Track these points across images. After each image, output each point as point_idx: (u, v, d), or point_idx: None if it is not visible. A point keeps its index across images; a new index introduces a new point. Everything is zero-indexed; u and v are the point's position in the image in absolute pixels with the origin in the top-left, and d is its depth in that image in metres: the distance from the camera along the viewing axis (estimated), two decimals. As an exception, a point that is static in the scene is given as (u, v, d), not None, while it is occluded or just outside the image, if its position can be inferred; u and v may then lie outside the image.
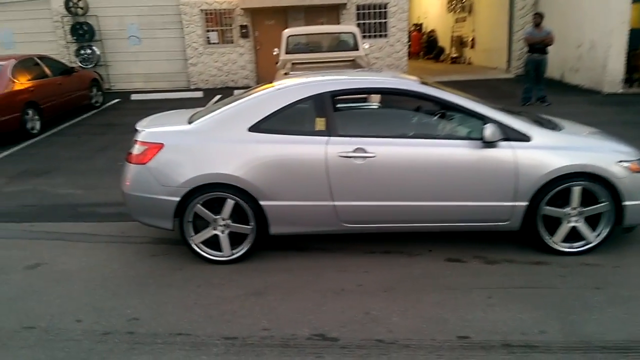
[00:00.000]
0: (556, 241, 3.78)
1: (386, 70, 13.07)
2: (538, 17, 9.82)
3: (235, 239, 3.87)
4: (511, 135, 3.64)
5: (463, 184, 3.63)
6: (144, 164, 3.77)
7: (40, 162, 7.29)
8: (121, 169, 4.05)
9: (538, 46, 9.75)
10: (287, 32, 9.99)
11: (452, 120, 4.16)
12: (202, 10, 13.90)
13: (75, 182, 6.27)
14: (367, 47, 10.43)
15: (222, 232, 3.84)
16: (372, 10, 14.03)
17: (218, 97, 12.32)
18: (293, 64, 8.99)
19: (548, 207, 3.68)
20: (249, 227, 3.82)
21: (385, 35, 14.17)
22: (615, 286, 3.38)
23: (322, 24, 13.74)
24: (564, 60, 12.26)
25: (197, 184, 3.70)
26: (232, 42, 14.25)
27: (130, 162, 3.86)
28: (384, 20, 14.09)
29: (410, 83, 3.89)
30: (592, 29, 11.21)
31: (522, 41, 13.69)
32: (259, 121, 3.76)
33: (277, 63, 9.66)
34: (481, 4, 17.11)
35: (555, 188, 3.61)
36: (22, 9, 14.04)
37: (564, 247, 3.79)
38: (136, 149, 3.84)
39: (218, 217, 3.80)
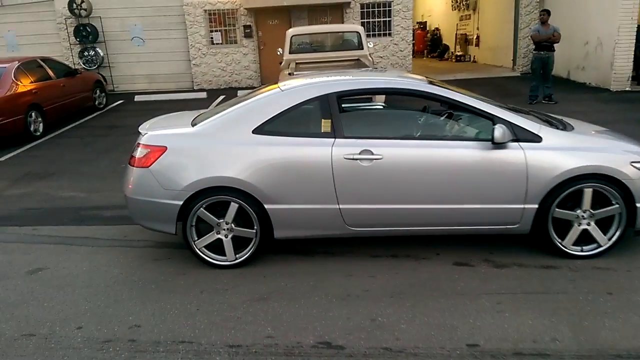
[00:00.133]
0: (567, 244, 3.69)
1: (391, 69, 12.98)
2: (545, 14, 9.72)
3: (239, 243, 3.81)
4: (521, 135, 3.55)
5: (472, 186, 3.55)
6: (147, 167, 3.71)
7: (44, 164, 7.26)
8: (123, 172, 3.99)
9: (545, 44, 9.66)
10: (291, 31, 9.93)
11: (460, 121, 4.08)
12: (205, 10, 13.86)
13: (79, 184, 6.22)
14: (371, 46, 10.34)
15: (226, 236, 3.77)
16: (376, 9, 13.94)
17: (222, 97, 12.29)
18: (297, 63, 8.93)
19: (559, 210, 3.59)
20: (253, 231, 3.75)
21: (390, 34, 14.08)
22: (628, 291, 3.29)
23: (325, 23, 13.68)
24: (571, 58, 12.13)
25: (201, 188, 3.63)
26: (236, 42, 14.20)
27: (133, 166, 3.80)
28: (388, 19, 14.00)
29: (417, 83, 3.80)
30: (599, 26, 11.08)
31: (527, 39, 13.59)
32: (263, 123, 3.69)
33: (281, 63, 9.61)
34: (486, 1, 16.99)
35: (567, 190, 3.52)
36: (25, 11, 14.05)
37: (575, 251, 3.70)
38: (139, 152, 3.78)
39: (222, 221, 3.73)
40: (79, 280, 3.79)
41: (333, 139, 3.63)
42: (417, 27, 22.00)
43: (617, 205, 3.57)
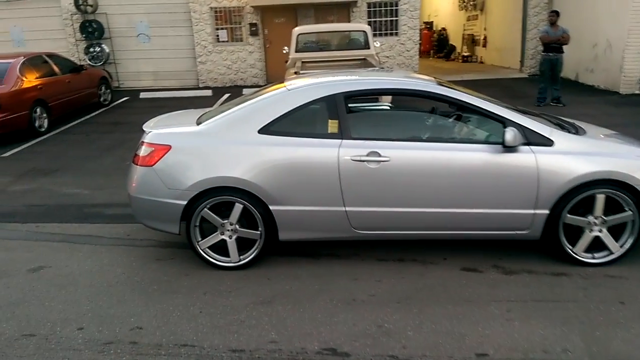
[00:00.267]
0: (578, 251, 3.61)
1: (397, 69, 12.90)
2: (554, 16, 9.62)
3: (243, 245, 3.75)
4: (533, 139, 3.47)
5: (481, 190, 3.48)
6: (151, 166, 3.66)
7: (48, 160, 7.22)
8: (128, 169, 3.94)
9: (554, 45, 9.55)
10: (297, 30, 9.86)
11: (469, 123, 4.01)
12: (211, 8, 13.80)
13: (82, 181, 6.18)
14: (378, 45, 10.27)
15: (230, 237, 3.72)
16: (383, 8, 13.85)
17: (227, 95, 12.24)
18: (303, 62, 8.87)
19: (570, 216, 3.52)
20: (257, 232, 3.69)
21: (396, 34, 13.99)
22: (641, 300, 3.22)
23: (332, 22, 13.60)
24: (579, 60, 12.01)
25: (205, 188, 3.58)
26: (242, 41, 14.14)
27: (137, 164, 3.75)
28: (395, 18, 13.91)
29: (426, 84, 3.73)
30: (609, 28, 10.96)
31: (536, 40, 13.48)
32: (269, 123, 3.62)
33: (286, 61, 9.54)
34: (494, 2, 16.86)
35: (579, 196, 3.45)
36: (32, 6, 14.03)
37: (586, 258, 3.62)
38: (143, 151, 3.72)
39: (226, 221, 3.68)
40: (81, 279, 3.74)
41: (340, 140, 3.57)
42: (423, 27, 21.87)
43: (630, 212, 3.49)
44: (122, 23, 14.08)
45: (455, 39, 20.72)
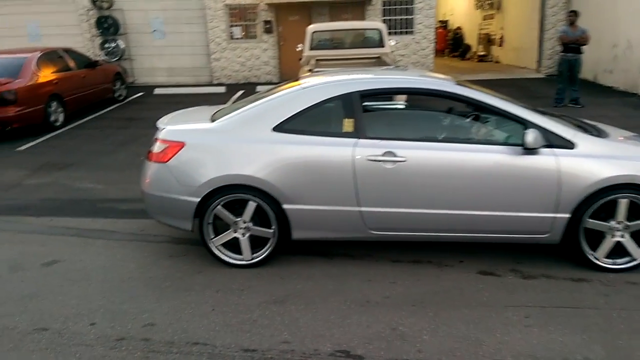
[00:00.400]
0: (599, 257, 3.52)
1: (412, 68, 12.79)
2: (573, 15, 9.44)
3: (256, 243, 3.72)
4: (554, 141, 3.39)
5: (500, 192, 3.40)
6: (164, 162, 3.64)
7: (63, 155, 7.26)
8: (142, 165, 3.93)
9: (573, 45, 9.38)
10: (312, 27, 9.81)
11: (488, 123, 3.93)
12: (226, 5, 13.80)
13: (97, 176, 6.20)
14: (393, 44, 10.17)
15: (243, 235, 3.69)
16: (398, 7, 13.74)
17: (240, 92, 12.23)
18: (317, 60, 8.81)
19: (591, 220, 3.43)
20: (270, 230, 3.66)
21: (412, 32, 13.87)
22: (664, 308, 3.12)
23: (346, 19, 13.51)
24: (598, 60, 11.81)
25: (218, 185, 3.55)
26: (256, 38, 14.12)
27: (150, 160, 3.73)
28: (410, 17, 13.79)
29: (445, 83, 3.65)
30: (629, 28, 10.75)
31: (553, 40, 13.30)
32: (283, 121, 3.58)
33: (300, 59, 9.49)
34: (510, 1, 16.64)
35: (601, 200, 3.36)
36: (48, 1, 14.15)
37: (607, 264, 3.53)
38: (157, 147, 3.71)
39: (239, 219, 3.65)
40: (93, 274, 3.73)
41: (355, 139, 3.51)
42: (438, 26, 21.68)
43: (653, 217, 3.39)
44: (138, 19, 14.14)
45: (470, 38, 20.51)
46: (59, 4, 14.16)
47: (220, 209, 3.62)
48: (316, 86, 3.71)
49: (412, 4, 13.66)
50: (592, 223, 3.44)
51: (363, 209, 3.53)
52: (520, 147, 3.37)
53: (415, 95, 3.69)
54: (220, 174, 3.53)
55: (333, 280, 3.54)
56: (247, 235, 3.68)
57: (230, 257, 3.75)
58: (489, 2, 18.25)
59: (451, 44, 21.84)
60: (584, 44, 9.41)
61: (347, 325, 3.00)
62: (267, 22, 13.85)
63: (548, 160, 3.35)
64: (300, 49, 9.92)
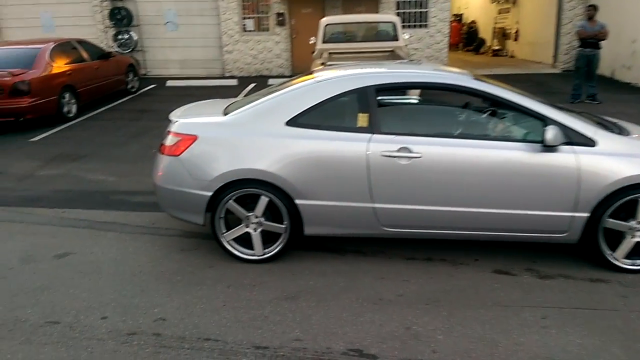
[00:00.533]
0: (618, 257, 3.44)
1: (426, 62, 12.65)
2: (592, 10, 9.24)
3: (268, 238, 3.68)
4: (574, 139, 3.30)
5: (518, 190, 3.32)
6: (177, 155, 3.61)
7: (75, 146, 7.28)
8: (154, 157, 3.91)
9: (591, 41, 9.20)
10: (325, 20, 9.72)
11: (505, 119, 3.84)
12: (239, -4, 13.73)
13: (109, 168, 6.21)
14: (407, 37, 10.05)
15: (255, 230, 3.65)
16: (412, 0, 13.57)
17: (252, 85, 12.19)
18: (330, 53, 8.73)
19: (611, 220, 3.34)
20: (282, 226, 3.62)
21: (426, 26, 13.70)
22: (685, 311, 3.04)
23: (360, 12, 13.39)
24: (616, 56, 11.58)
25: (231, 179, 3.52)
26: (268, 30, 14.05)
27: (163, 154, 3.70)
28: (424, 10, 13.62)
29: (462, 78, 3.57)
30: (650, 24, 10.51)
31: (570, 35, 13.08)
32: (297, 115, 3.53)
33: (313, 52, 9.42)
34: (527, -5, 16.38)
35: (621, 199, 3.27)
36: (63, -8, 14.19)
37: (626, 264, 3.45)
38: (169, 140, 3.68)
39: (251, 214, 3.61)
40: (105, 267, 3.73)
41: (370, 135, 3.46)
42: (452, 19, 21.42)
43: (675, 218, 3.30)
44: (151, 11, 14.13)
45: (485, 32, 20.24)
46: (73, -5, 14.19)
47: (232, 204, 3.59)
48: (330, 80, 3.66)
49: (426, -3, 13.49)
50: (611, 223, 3.36)
51: (376, 205, 3.47)
52: (539, 144, 3.29)
53: (433, 90, 3.60)
54: (233, 168, 3.49)
55: (345, 277, 3.50)
56: (259, 230, 3.65)
57: (241, 252, 3.72)
58: (505, -5, 17.98)
59: (465, 38, 21.57)
60: (603, 39, 9.22)
61: (360, 324, 2.96)
62: (279, 14, 13.77)
63: (568, 158, 3.27)
64: (313, 42, 9.84)
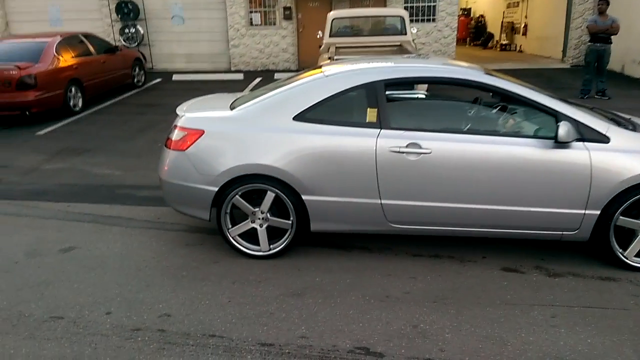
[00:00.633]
0: (629, 255, 3.38)
1: (434, 56, 12.53)
2: (603, 4, 9.09)
3: (274, 234, 3.65)
4: (587, 135, 3.24)
5: (529, 187, 3.26)
6: (183, 150, 3.58)
7: (81, 140, 7.28)
8: (160, 151, 3.88)
9: (602, 35, 9.06)
10: (332, 14, 9.64)
11: (516, 115, 3.78)
12: (245, -10, 13.66)
13: (115, 162, 6.19)
14: (415, 31, 9.95)
15: (261, 225, 3.62)
16: (420, -7, 13.46)
17: (258, 80, 12.15)
18: (337, 47, 8.66)
19: (623, 218, 3.28)
20: (288, 222, 3.58)
21: (434, 20, 13.58)
22: (699, 312, 2.98)
23: (368, 6, 13.29)
24: (627, 51, 11.42)
25: (237, 174, 3.48)
26: (275, 24, 13.98)
27: (169, 148, 3.67)
28: (432, 4, 13.50)
29: (473, 73, 3.50)
30: (662, 18, 10.34)
31: (580, 29, 12.93)
32: (305, 110, 3.49)
33: (320, 47, 9.35)
34: (537, -11, 16.20)
35: (634, 197, 3.20)
36: (69, -15, 14.17)
37: (637, 263, 3.39)
38: (175, 135, 3.64)
39: (257, 209, 3.58)
40: (110, 262, 3.71)
41: (379, 130, 3.41)
42: (460, 13, 21.24)
43: (689, 217, 3.23)
44: (157, 5, 14.09)
45: (493, 27, 20.07)
46: (80, -11, 14.18)
47: (238, 199, 3.56)
48: (339, 74, 3.60)
49: (434, -9, 13.36)
50: (623, 221, 3.30)
51: (384, 201, 3.43)
52: (551, 141, 3.23)
53: (442, 85, 3.54)
54: (239, 163, 3.46)
55: (351, 274, 3.46)
56: (265, 225, 3.62)
57: (247, 248, 3.69)
58: (514, -11, 17.79)
59: (473, 33, 21.40)
60: (614, 34, 9.08)
61: (367, 321, 2.92)
62: (286, 8, 13.69)
63: (580, 154, 3.21)
64: (320, 36, 9.77)
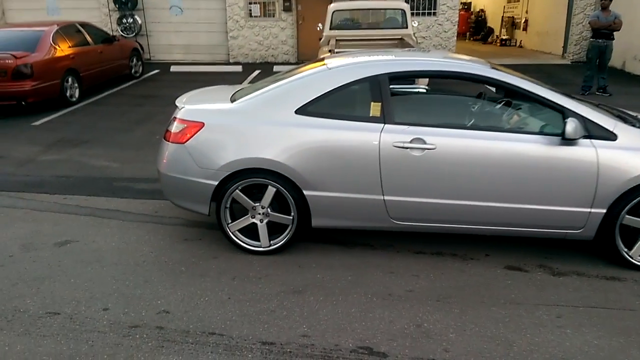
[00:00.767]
0: (634, 255, 3.34)
1: (434, 50, 12.44)
2: (606, 0, 9.02)
3: (274, 229, 3.59)
4: (594, 132, 3.18)
5: (535, 185, 3.21)
6: (182, 143, 3.50)
7: (78, 131, 7.18)
8: (158, 143, 3.80)
9: (604, 31, 9.00)
10: (333, 6, 9.53)
11: (521, 111, 3.72)
12: (245, -19, 13.50)
13: (112, 154, 6.11)
14: (415, 25, 9.87)
15: (261, 220, 3.56)
16: (421, -13, 13.33)
17: (257, 72, 12.04)
18: (337, 40, 8.57)
19: (629, 217, 3.23)
20: (289, 217, 3.52)
21: (434, 14, 13.46)
22: None
23: (368, -1, 13.16)
24: (628, 47, 11.36)
25: (237, 168, 3.41)
26: (274, 16, 13.84)
27: (168, 140, 3.60)
28: (433, -3, 13.37)
29: (479, 67, 3.44)
30: (664, 15, 10.28)
31: (581, 25, 12.86)
32: (307, 103, 3.41)
33: (320, 39, 9.25)
34: (538, -17, 16.08)
35: (640, 195, 3.16)
36: (66, -26, 13.97)
37: (643, 262, 3.35)
38: (174, 127, 3.57)
39: (257, 204, 3.52)
40: (107, 256, 3.64)
41: (382, 125, 3.34)
42: (460, 7, 21.10)
43: (696, 216, 3.19)
44: (155, -6, 13.93)
45: (493, 21, 19.95)
46: (77, -22, 13.98)
47: (238, 194, 3.49)
48: (342, 67, 3.53)
49: (435, -16, 13.24)
50: (629, 219, 3.25)
51: (387, 197, 3.37)
52: (557, 137, 3.17)
53: (449, 79, 3.47)
54: (240, 157, 3.39)
55: (353, 271, 3.41)
56: (265, 221, 3.56)
57: (247, 243, 3.63)
58: (515, -16, 17.67)
59: (473, 27, 21.27)
60: (617, 30, 9.02)
61: (369, 320, 2.87)
62: (286, 0, 13.54)
63: (587, 152, 3.15)
64: (320, 28, 9.67)
